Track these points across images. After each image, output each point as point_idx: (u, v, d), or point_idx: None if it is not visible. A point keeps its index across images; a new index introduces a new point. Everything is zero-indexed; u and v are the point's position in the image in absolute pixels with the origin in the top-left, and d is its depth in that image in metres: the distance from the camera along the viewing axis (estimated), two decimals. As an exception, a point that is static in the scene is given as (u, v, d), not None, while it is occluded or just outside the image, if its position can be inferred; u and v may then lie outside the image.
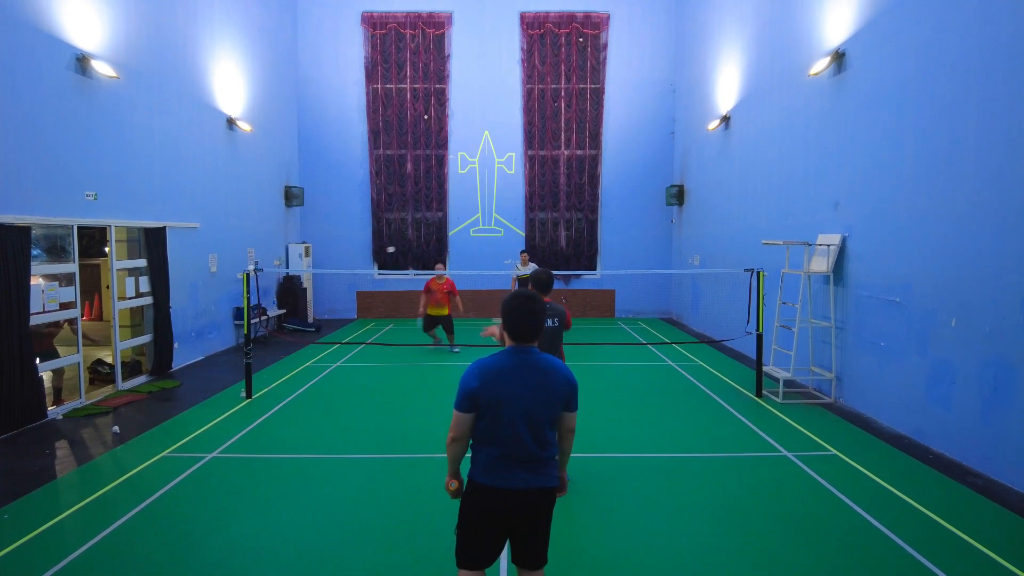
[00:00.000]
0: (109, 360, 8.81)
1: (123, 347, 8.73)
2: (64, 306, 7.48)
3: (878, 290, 6.99)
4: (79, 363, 7.68)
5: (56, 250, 7.51)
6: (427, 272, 13.10)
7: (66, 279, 7.57)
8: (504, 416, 2.70)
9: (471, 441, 2.86)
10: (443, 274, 11.12)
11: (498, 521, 2.79)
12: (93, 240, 9.22)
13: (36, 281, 7.03)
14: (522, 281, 12.33)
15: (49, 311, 7.24)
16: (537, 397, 2.73)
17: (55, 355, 7.48)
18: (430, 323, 11.19)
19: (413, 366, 10.09)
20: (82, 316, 8.00)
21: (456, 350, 11.14)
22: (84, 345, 7.78)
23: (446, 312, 11.10)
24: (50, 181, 7.24)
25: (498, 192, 16.11)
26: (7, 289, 6.46)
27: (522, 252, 13.35)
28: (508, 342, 2.84)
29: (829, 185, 8.06)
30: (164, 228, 9.36)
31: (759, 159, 10.46)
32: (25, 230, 6.70)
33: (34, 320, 6.91)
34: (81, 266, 7.85)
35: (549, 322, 5.02)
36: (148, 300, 9.15)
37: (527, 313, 2.77)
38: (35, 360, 6.86)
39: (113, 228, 8.30)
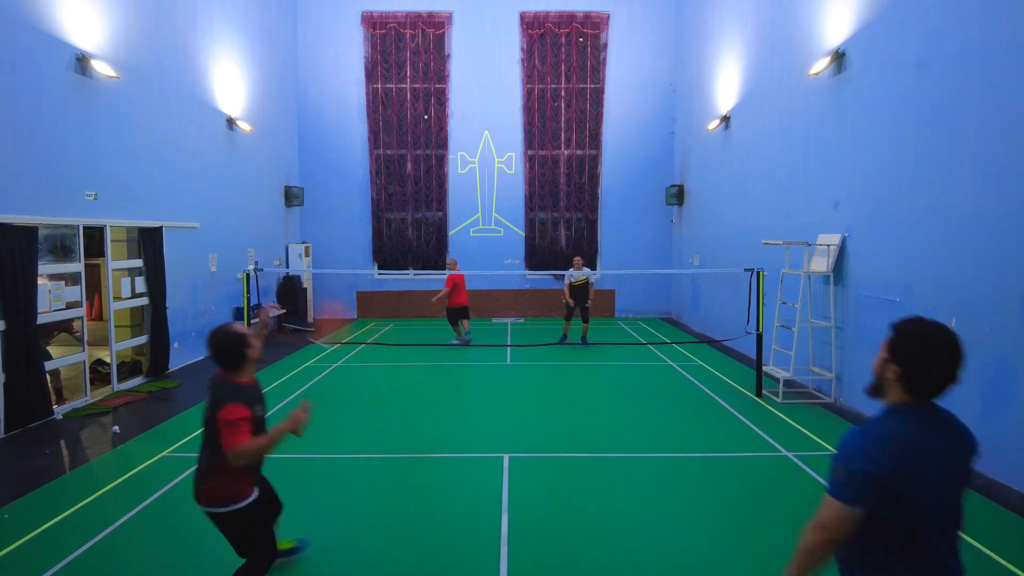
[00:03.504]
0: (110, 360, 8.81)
1: (120, 348, 8.72)
2: (69, 305, 7.52)
3: (878, 290, 6.99)
4: (84, 362, 7.70)
5: (60, 250, 7.52)
6: (428, 272, 13.12)
7: (71, 279, 7.60)
8: (930, 511, 1.83)
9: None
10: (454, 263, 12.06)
11: None
12: (93, 240, 9.23)
13: (41, 281, 7.06)
14: (574, 288, 11.51)
15: (56, 310, 7.28)
16: (960, 477, 1.90)
17: (48, 356, 7.49)
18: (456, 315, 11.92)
19: (413, 366, 10.09)
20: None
21: (455, 342, 11.84)
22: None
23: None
24: (52, 181, 7.24)
25: (498, 192, 16.11)
26: (15, 289, 6.49)
27: (576, 257, 11.92)
28: (899, 396, 1.93)
29: (829, 185, 8.06)
30: (160, 228, 9.35)
31: (759, 159, 10.46)
32: (32, 230, 6.73)
33: (39, 319, 6.94)
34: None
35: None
36: (145, 301, 9.14)
37: (956, 360, 1.86)
38: (42, 359, 6.90)
39: (109, 228, 8.29)
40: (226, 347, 3.17)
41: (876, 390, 1.99)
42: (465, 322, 11.97)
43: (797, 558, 1.95)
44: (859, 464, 1.81)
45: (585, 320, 11.70)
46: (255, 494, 3.33)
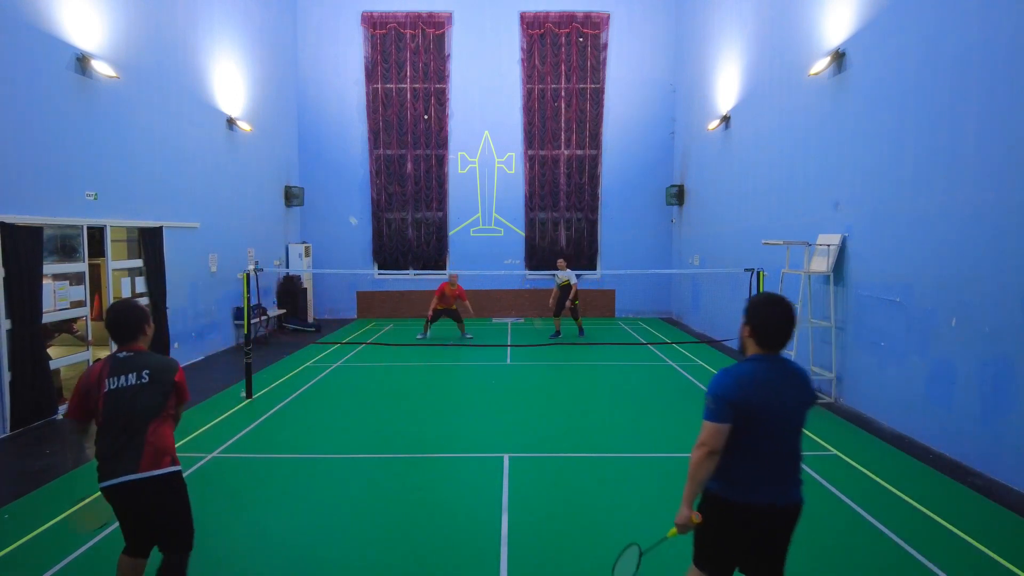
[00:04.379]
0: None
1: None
2: (74, 304, 7.56)
3: (878, 290, 6.99)
4: (87, 361, 7.72)
5: (64, 250, 7.55)
6: (428, 272, 13.22)
7: (75, 278, 7.64)
8: (769, 428, 2.54)
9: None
10: (455, 278, 12.40)
11: (752, 537, 2.70)
12: (94, 240, 9.24)
13: (46, 280, 7.11)
14: (560, 288, 12.61)
15: (60, 308, 7.33)
16: (797, 407, 2.60)
17: (49, 357, 7.51)
18: (437, 316, 12.60)
19: (413, 366, 10.09)
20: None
21: (469, 336, 12.53)
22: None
23: (454, 307, 12.61)
24: (54, 181, 7.25)
25: (498, 192, 16.11)
26: (20, 288, 6.52)
27: (559, 260, 13.46)
28: (754, 349, 2.63)
29: (829, 185, 8.06)
30: (161, 228, 9.35)
31: (759, 159, 10.46)
32: (37, 230, 6.76)
33: (44, 318, 6.99)
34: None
35: (131, 379, 3.12)
36: (145, 301, 9.15)
37: (785, 319, 2.58)
38: (46, 357, 6.94)
39: (109, 228, 8.29)
40: (121, 319, 3.18)
41: (741, 348, 2.72)
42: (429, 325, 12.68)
43: (689, 476, 2.61)
44: (721, 393, 2.52)
45: (574, 316, 12.74)
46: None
